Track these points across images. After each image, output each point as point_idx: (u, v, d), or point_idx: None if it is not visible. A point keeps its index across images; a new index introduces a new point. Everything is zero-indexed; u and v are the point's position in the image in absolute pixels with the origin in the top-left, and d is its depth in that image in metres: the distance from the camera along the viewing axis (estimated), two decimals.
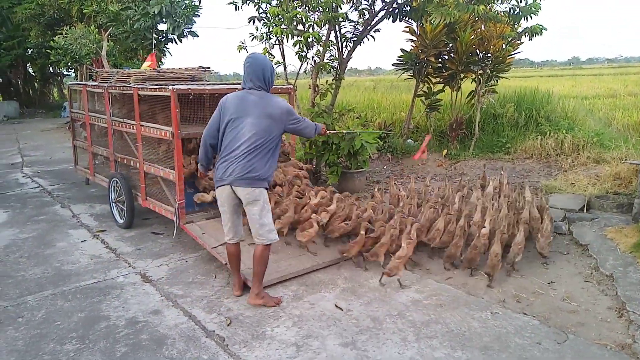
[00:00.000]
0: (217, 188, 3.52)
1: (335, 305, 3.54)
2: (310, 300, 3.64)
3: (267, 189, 3.50)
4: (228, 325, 3.29)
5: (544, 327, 3.21)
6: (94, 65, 11.49)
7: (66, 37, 9.75)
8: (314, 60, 6.82)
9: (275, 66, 7.19)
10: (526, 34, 7.70)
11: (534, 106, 8.77)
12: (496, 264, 3.83)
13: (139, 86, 4.90)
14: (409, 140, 9.07)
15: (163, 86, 4.59)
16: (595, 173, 6.55)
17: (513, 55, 8.02)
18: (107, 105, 5.54)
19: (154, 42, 9.02)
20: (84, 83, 6.65)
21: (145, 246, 4.88)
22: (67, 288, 3.92)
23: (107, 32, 8.56)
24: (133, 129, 5.08)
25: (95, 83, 6.14)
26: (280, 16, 6.27)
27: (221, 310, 3.51)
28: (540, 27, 7.56)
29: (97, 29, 8.96)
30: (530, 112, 8.65)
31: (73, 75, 16.70)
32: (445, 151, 8.29)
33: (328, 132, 4.52)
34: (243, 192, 3.39)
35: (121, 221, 5.44)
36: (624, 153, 6.93)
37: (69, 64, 13.21)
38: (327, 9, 6.14)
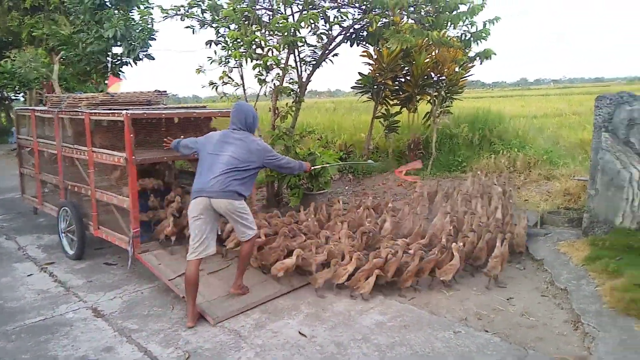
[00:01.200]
0: (193, 199, 3.66)
1: (299, 332, 3.46)
2: (273, 328, 3.55)
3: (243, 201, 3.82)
4: (187, 359, 3.14)
5: (505, 343, 3.25)
6: (44, 90, 11.08)
7: (14, 60, 9.36)
8: (274, 84, 6.83)
9: (234, 89, 7.18)
10: (478, 58, 8.04)
11: (487, 126, 9.11)
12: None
13: (90, 111, 4.73)
14: (370, 161, 9.17)
15: (117, 111, 4.46)
16: (546, 189, 6.81)
17: (466, 78, 8.35)
18: (57, 131, 5.32)
19: (109, 65, 8.81)
20: (32, 108, 6.37)
21: (97, 278, 4.64)
22: (10, 328, 3.65)
23: (59, 56, 8.30)
24: (85, 155, 4.87)
25: (45, 108, 5.89)
26: (239, 40, 6.26)
27: (179, 343, 3.35)
28: (491, 51, 7.91)
29: (47, 53, 8.65)
30: (484, 131, 8.97)
31: (22, 99, 16.03)
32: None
33: (312, 167, 4.73)
34: (223, 203, 3.62)
35: (71, 252, 5.17)
36: (572, 170, 7.26)
37: (17, 88, 12.70)
38: (285, 33, 6.19)
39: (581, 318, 3.50)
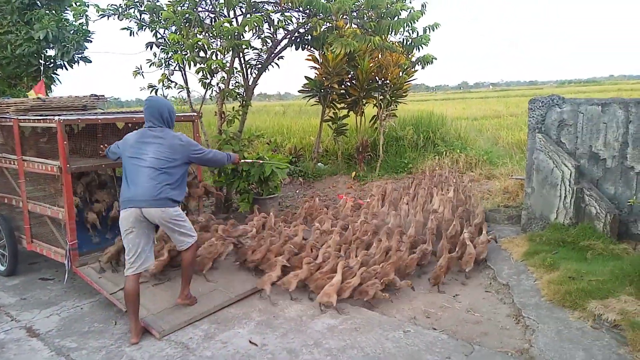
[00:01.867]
0: (123, 210, 3.42)
1: (250, 341, 3.39)
2: (222, 338, 3.45)
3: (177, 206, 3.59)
4: None
5: (452, 340, 3.34)
6: None
7: None
8: (219, 87, 6.70)
9: (178, 92, 6.98)
10: (419, 63, 8.28)
11: (431, 128, 9.43)
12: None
13: (19, 117, 4.43)
14: (320, 164, 9.23)
15: (48, 117, 4.19)
16: (487, 188, 7.12)
17: (409, 82, 8.58)
18: None
19: (41, 68, 8.29)
20: None
21: (31, 295, 4.34)
22: None
23: None
24: (14, 164, 4.55)
25: None
26: (180, 43, 6.09)
27: None
28: (431, 56, 8.17)
29: None
30: (428, 134, 9.27)
31: None
32: (354, 173, 8.54)
33: (242, 161, 4.50)
34: (156, 212, 3.39)
35: (2, 268, 4.83)
36: (510, 169, 7.63)
37: None
38: (229, 37, 6.08)
39: (522, 312, 3.67)
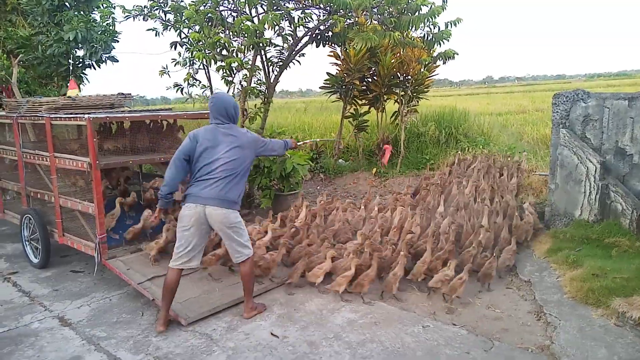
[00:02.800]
0: (186, 206, 3.46)
1: (271, 333, 3.48)
2: (245, 330, 3.54)
3: (238, 211, 3.60)
4: None
5: (472, 336, 3.35)
6: (3, 93, 10.66)
7: None
8: (241, 85, 6.80)
9: (201, 90, 7.12)
10: (440, 58, 8.21)
11: (453, 124, 9.33)
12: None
13: (51, 115, 4.61)
14: (340, 160, 9.27)
15: (79, 115, 4.35)
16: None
17: (431, 78, 8.52)
18: (17, 137, 5.15)
19: (70, 68, 8.56)
20: None
21: (63, 286, 4.52)
22: None
23: (17, 59, 8.01)
24: (46, 160, 4.74)
25: (3, 113, 5.70)
26: (202, 42, 6.21)
27: (149, 350, 3.31)
28: (453, 51, 8.09)
29: (5, 55, 8.32)
30: (450, 129, 9.18)
31: None
32: (374, 170, 8.54)
33: (298, 144, 4.55)
34: (218, 212, 3.40)
35: (36, 261, 5.02)
36: (534, 165, 7.51)
37: None
38: (250, 35, 6.17)
39: (543, 308, 3.65)
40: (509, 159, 7.64)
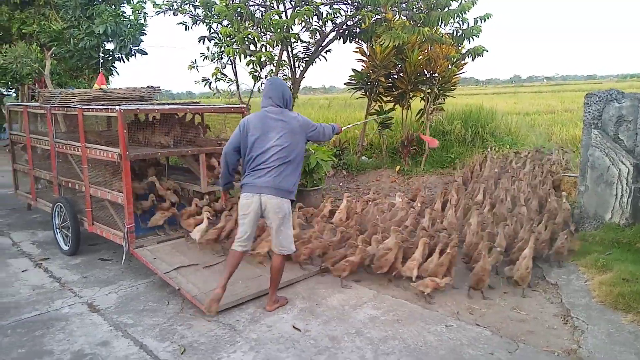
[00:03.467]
0: (244, 195, 3.55)
1: (293, 327, 3.50)
2: (267, 322, 3.58)
3: (292, 201, 3.65)
4: (182, 353, 3.17)
5: (496, 337, 3.31)
6: (36, 85, 11.00)
7: (5, 55, 9.29)
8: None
9: (228, 85, 7.20)
10: (469, 55, 8.09)
11: (480, 123, 9.19)
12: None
13: (83, 107, 4.73)
14: (364, 157, 9.24)
15: (110, 106, 4.46)
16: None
17: (458, 75, 8.39)
18: (50, 127, 5.30)
19: (101, 61, 8.77)
20: (24, 104, 6.34)
21: (92, 274, 4.65)
22: (5, 322, 3.65)
23: (50, 52, 8.25)
24: (78, 151, 4.87)
25: (37, 104, 5.87)
26: (232, 36, 6.27)
27: (174, 338, 3.38)
28: (483, 48, 7.96)
29: (39, 48, 8.58)
30: (476, 128, 9.05)
31: (14, 95, 15.87)
32: (398, 167, 8.49)
33: (343, 127, 4.56)
34: (273, 202, 3.47)
35: (66, 248, 5.17)
36: (563, 166, 7.34)
37: (9, 83, 12.58)
38: (278, 30, 6.20)
39: (571, 312, 3.57)
40: (547, 159, 7.54)
